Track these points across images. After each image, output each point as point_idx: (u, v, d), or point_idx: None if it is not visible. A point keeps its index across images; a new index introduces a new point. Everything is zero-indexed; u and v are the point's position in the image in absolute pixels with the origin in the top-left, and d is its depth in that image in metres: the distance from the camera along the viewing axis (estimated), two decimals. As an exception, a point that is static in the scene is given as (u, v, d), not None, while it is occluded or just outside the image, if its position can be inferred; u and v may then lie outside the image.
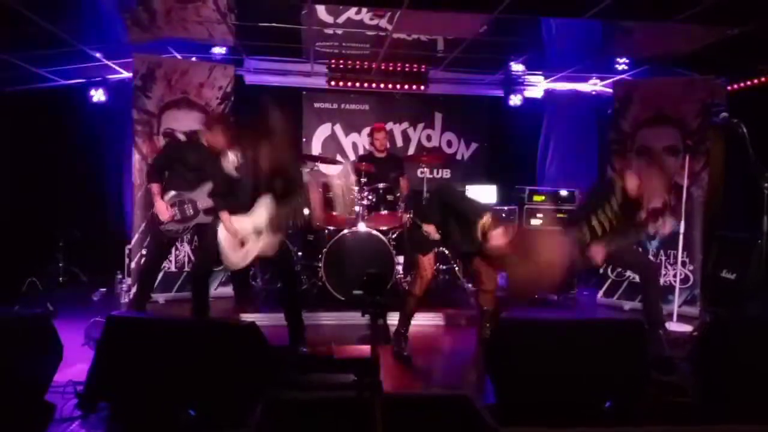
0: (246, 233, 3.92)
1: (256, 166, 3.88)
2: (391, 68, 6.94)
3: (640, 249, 5.72)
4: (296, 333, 4.06)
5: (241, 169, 3.92)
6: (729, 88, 6.22)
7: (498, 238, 3.66)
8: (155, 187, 4.62)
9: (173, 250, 5.66)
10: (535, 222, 6.49)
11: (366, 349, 2.15)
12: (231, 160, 3.97)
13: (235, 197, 3.94)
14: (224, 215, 3.93)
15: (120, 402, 2.76)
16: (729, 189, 6.28)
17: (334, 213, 5.48)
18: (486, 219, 3.72)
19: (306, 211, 4.07)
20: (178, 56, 6.18)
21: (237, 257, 3.95)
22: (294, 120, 7.23)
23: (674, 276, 5.48)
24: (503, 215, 6.30)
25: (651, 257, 5.68)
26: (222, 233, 3.93)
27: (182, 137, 5.32)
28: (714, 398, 2.97)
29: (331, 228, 5.49)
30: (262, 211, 3.91)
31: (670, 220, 4.40)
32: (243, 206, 3.94)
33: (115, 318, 2.89)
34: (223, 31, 5.54)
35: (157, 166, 4.75)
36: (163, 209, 4.56)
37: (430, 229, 4.03)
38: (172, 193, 4.63)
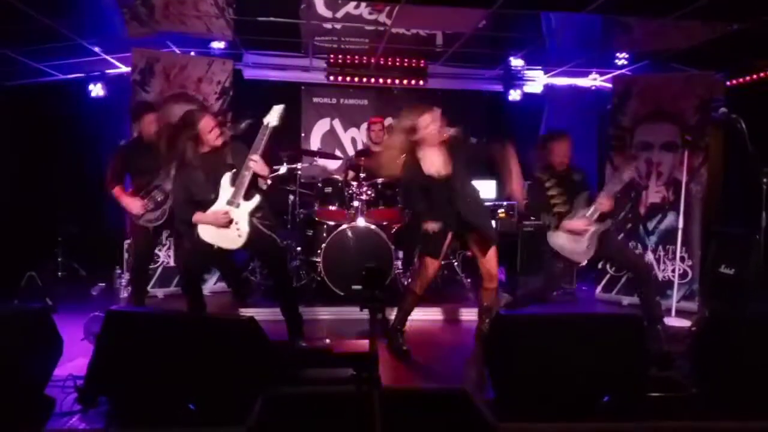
0: (225, 213, 3.81)
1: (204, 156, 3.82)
2: (390, 63, 6.92)
3: (638, 246, 5.75)
4: (294, 327, 4.06)
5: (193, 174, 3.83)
6: (728, 83, 6.22)
7: None
8: (116, 190, 4.64)
9: (172, 244, 5.67)
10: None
11: (365, 343, 2.15)
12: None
13: (198, 197, 3.85)
14: (197, 217, 3.82)
15: (120, 396, 2.76)
16: (728, 184, 6.29)
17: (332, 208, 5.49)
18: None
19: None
20: (177, 51, 6.17)
21: (232, 237, 3.83)
22: (293, 115, 7.26)
23: (673, 271, 5.49)
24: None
25: (649, 252, 5.70)
26: (205, 231, 3.84)
27: (123, 142, 5.34)
28: (712, 393, 2.98)
29: (331, 223, 5.50)
30: (226, 186, 3.83)
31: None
32: (207, 199, 3.85)
33: (114, 312, 2.89)
34: (221, 25, 5.53)
35: (112, 175, 4.72)
36: (132, 203, 4.58)
37: (430, 226, 4.02)
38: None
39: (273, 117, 3.90)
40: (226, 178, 3.85)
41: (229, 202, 3.82)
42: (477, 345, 4.26)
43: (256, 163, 3.76)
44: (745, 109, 4.63)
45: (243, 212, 3.83)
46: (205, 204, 3.85)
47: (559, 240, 4.38)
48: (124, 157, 4.78)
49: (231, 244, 3.87)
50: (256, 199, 3.87)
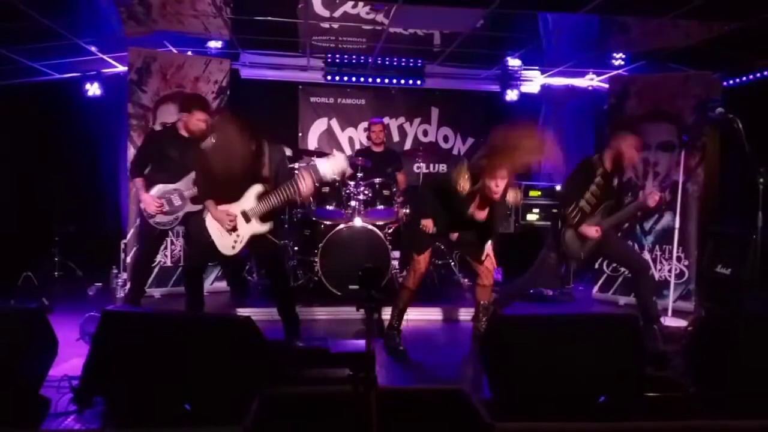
0: (232, 219, 3.85)
1: (234, 149, 3.67)
2: (387, 62, 6.92)
3: (635, 246, 5.75)
4: (291, 327, 4.06)
5: (217, 151, 3.75)
6: (725, 83, 6.23)
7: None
8: (139, 182, 4.60)
9: (169, 244, 5.66)
10: (531, 217, 6.49)
11: (361, 343, 2.15)
12: (206, 142, 3.90)
13: (218, 185, 3.83)
14: (209, 204, 3.88)
15: (115, 396, 2.75)
16: (724, 184, 6.30)
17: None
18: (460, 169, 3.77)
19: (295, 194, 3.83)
20: (174, 50, 6.16)
21: (227, 243, 3.90)
22: (290, 114, 7.26)
23: (669, 271, 5.49)
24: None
25: (646, 252, 5.71)
26: (210, 222, 3.90)
27: (158, 128, 5.28)
28: (708, 393, 2.98)
29: (328, 222, 5.49)
30: (251, 197, 3.86)
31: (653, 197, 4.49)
32: (227, 193, 3.86)
33: (110, 312, 2.89)
34: (218, 24, 5.52)
35: (139, 161, 4.71)
36: (149, 201, 4.53)
37: (428, 224, 4.04)
38: (159, 186, 4.59)
39: (328, 169, 3.68)
40: (256, 190, 3.85)
41: (243, 213, 3.86)
42: (473, 345, 4.26)
43: (309, 180, 3.69)
44: (742, 109, 4.63)
45: (249, 230, 3.89)
46: (223, 195, 3.85)
47: (566, 233, 4.40)
48: (154, 143, 4.69)
49: (223, 248, 3.93)
50: (268, 225, 3.90)
